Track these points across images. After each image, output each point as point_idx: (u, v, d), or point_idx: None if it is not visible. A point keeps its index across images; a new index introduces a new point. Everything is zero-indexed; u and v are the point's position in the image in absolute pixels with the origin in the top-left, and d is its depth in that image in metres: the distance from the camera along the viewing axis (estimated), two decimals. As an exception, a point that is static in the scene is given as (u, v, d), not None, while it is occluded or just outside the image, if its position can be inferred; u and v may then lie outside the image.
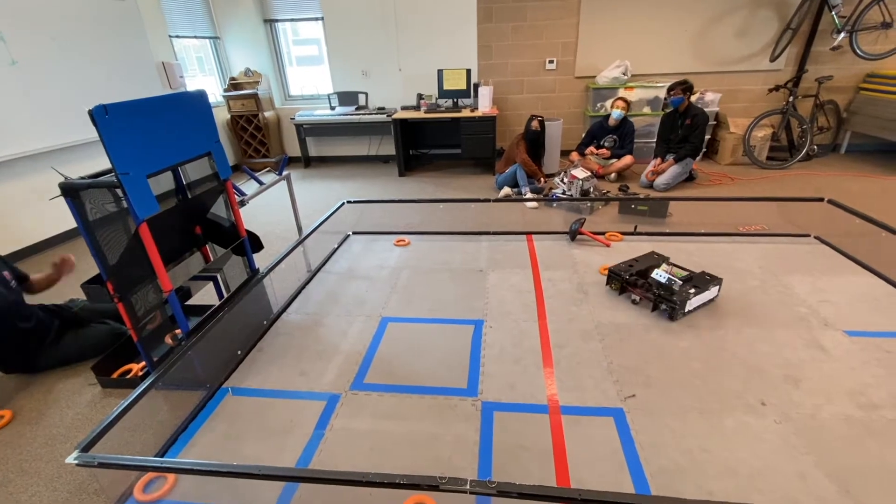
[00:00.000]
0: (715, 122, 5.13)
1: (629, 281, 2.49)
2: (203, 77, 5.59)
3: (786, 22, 4.87)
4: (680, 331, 2.23)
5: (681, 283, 2.33)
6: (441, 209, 3.86)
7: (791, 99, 4.90)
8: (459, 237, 3.44)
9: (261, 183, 2.47)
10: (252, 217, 4.01)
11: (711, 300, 2.40)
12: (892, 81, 4.76)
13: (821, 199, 3.15)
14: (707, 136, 5.07)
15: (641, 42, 5.06)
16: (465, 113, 4.84)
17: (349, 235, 3.52)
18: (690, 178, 4.55)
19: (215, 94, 5.52)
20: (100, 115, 1.48)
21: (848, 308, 2.34)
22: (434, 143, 5.69)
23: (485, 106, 4.84)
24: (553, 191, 4.22)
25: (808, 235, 3.19)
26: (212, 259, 2.25)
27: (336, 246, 3.33)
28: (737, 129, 4.99)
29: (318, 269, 3.00)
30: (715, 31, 4.99)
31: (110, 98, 1.57)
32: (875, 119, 4.90)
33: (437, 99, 5.20)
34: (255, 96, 5.28)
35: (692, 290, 2.28)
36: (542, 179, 4.40)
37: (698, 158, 4.98)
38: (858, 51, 4.78)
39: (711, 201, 3.66)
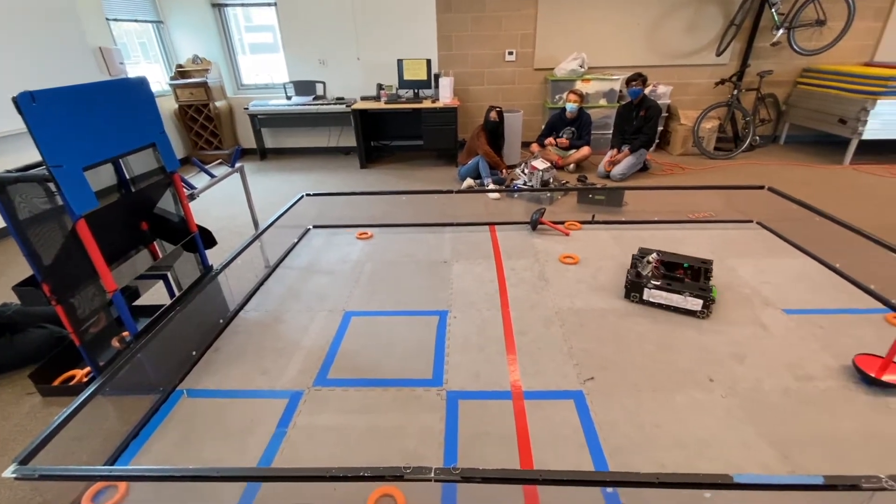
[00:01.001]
0: (667, 114, 5.34)
1: (636, 257, 2.57)
2: (147, 64, 5.27)
3: (730, 18, 5.11)
4: (635, 314, 2.32)
5: (652, 272, 2.39)
6: (404, 201, 3.83)
7: (735, 92, 5.17)
8: (423, 229, 3.43)
9: (212, 176, 2.36)
10: (205, 212, 3.84)
11: (694, 312, 2.26)
12: (825, 76, 5.10)
13: (761, 187, 3.35)
14: (660, 128, 5.27)
15: (597, 35, 5.18)
16: (427, 104, 4.81)
17: (309, 229, 3.44)
18: (645, 168, 4.72)
19: (161, 83, 5.23)
20: (25, 103, 1.37)
21: (786, 288, 2.51)
22: (395, 134, 5.62)
23: (446, 97, 4.82)
24: (514, 181, 4.27)
25: (751, 221, 3.39)
26: (160, 256, 2.14)
27: (296, 240, 3.24)
28: (687, 121, 5.21)
29: (277, 265, 2.92)
30: (666, 26, 5.17)
31: (40, 85, 1.45)
32: (811, 111, 5.25)
33: (397, 89, 5.13)
34: (204, 85, 5.02)
35: (654, 282, 2.33)
36: (504, 171, 4.45)
37: (652, 149, 5.18)
38: (796, 47, 5.09)
39: (663, 190, 3.82)
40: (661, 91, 5.15)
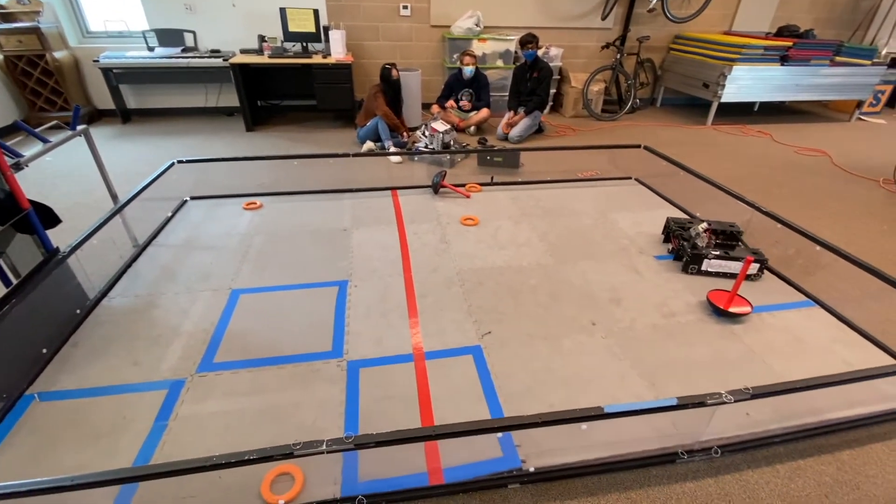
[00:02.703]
0: (559, 77, 5.54)
1: (672, 230, 2.59)
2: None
3: (613, -18, 5.35)
4: (530, 269, 2.44)
5: (706, 242, 2.43)
6: (297, 167, 3.56)
7: (619, 56, 5.50)
8: (320, 196, 3.24)
9: (44, 140, 1.95)
10: (52, 186, 3.24)
11: (750, 277, 2.39)
12: (692, 43, 5.62)
13: (638, 146, 3.65)
14: (553, 90, 5.47)
15: (491, -8, 5.13)
16: (317, 59, 4.45)
17: (186, 201, 3.07)
18: (540, 130, 4.90)
19: (-26, 27, 4.19)
20: None
21: (657, 237, 2.80)
22: (286, 92, 5.16)
23: (338, 52, 4.49)
24: (416, 144, 4.19)
25: (630, 178, 3.70)
26: (-17, 240, 1.76)
27: (170, 214, 2.87)
28: (578, 84, 5.46)
29: (148, 243, 2.57)
30: (556, -13, 5.27)
31: None
32: (680, 76, 5.79)
33: (283, 42, 4.66)
34: (36, 31, 4.10)
35: (714, 252, 2.36)
36: (405, 133, 4.33)
37: (546, 111, 5.38)
38: (668, 14, 5.52)
39: (555, 151, 4.01)
40: (553, 53, 5.31)
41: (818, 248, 2.28)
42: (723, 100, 5.24)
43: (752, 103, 6.16)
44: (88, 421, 1.57)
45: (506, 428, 1.23)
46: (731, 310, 2.10)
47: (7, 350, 1.69)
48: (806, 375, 1.49)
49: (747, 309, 2.11)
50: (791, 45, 5.13)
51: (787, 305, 2.23)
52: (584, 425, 1.25)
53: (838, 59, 5.34)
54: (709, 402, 1.32)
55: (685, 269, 2.44)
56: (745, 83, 5.22)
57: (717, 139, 4.97)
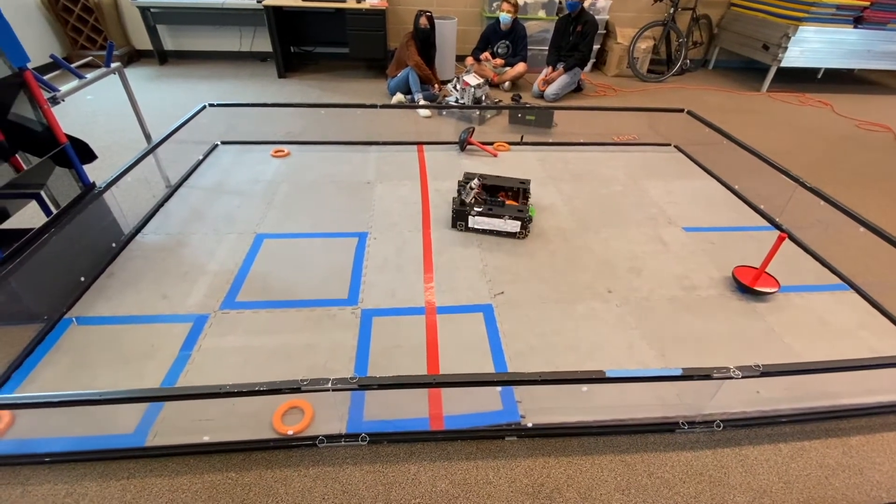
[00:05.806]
0: (604, 31, 5.20)
1: (461, 183, 2.53)
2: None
3: (673, -74, 4.86)
4: (550, 233, 2.40)
5: (474, 198, 2.37)
6: (325, 116, 3.55)
7: (672, 11, 5.08)
8: (346, 147, 3.24)
9: (80, 76, 2.00)
10: (92, 123, 3.35)
11: (514, 234, 2.33)
12: (757, -1, 5.10)
13: (681, 111, 3.44)
14: (596, 46, 5.15)
15: (539, -65, 4.77)
16: (351, 4, 4.31)
17: (217, 145, 3.12)
18: (579, 89, 4.66)
19: (18, -41, 4.23)
20: None
21: (689, 208, 2.68)
22: (319, 39, 5.06)
23: (373, -3, 4.34)
24: (446, 98, 4.08)
25: (669, 145, 3.51)
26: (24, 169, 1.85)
27: (201, 157, 2.94)
28: (623, 40, 5.12)
29: (180, 185, 2.66)
30: (609, -70, 4.85)
31: None
32: (738, 36, 5.32)
33: (317, -15, 4.52)
34: (76, -35, 4.14)
35: (477, 209, 2.30)
36: (437, 86, 4.21)
37: (587, 69, 5.10)
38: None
39: (592, 111, 3.82)
40: (600, 5, 4.96)
41: (861, 229, 2.13)
42: (783, 64, 4.81)
43: (816, 70, 5.63)
44: (120, 346, 1.69)
45: (504, 382, 1.25)
46: (757, 287, 2.02)
47: (48, 276, 1.82)
48: (826, 359, 1.44)
49: (774, 288, 2.02)
50: (868, 4, 4.59)
51: (819, 287, 2.12)
52: (584, 387, 1.26)
53: (922, 22, 4.76)
54: (715, 375, 1.29)
55: (453, 225, 2.38)
56: (811, 46, 4.75)
57: (771, 107, 4.62)
